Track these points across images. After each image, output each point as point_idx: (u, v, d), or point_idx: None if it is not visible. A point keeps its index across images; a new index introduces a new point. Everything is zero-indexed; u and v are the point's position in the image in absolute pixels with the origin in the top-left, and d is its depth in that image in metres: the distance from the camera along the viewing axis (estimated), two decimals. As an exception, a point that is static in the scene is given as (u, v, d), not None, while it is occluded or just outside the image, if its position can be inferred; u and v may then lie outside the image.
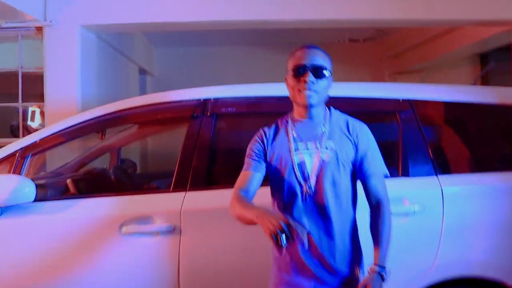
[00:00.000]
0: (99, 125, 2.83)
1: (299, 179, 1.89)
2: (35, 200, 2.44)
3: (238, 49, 8.43)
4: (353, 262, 1.90)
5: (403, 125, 2.53)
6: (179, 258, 2.38)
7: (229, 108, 2.61)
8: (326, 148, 1.90)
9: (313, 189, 1.88)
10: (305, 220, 1.88)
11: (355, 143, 1.93)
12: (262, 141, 2.01)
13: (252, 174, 1.97)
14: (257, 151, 2.00)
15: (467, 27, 6.11)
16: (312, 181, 1.88)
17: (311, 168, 1.89)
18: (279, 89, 2.66)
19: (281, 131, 2.00)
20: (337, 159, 1.89)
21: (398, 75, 8.50)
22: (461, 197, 2.45)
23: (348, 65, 8.21)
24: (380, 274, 1.80)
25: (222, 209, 2.36)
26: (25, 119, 7.08)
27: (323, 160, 1.88)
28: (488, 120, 2.67)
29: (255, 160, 1.99)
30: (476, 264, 2.43)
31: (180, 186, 2.47)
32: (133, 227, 2.40)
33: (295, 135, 1.95)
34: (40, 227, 2.47)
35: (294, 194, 1.90)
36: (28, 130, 5.66)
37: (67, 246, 2.43)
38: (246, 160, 2.01)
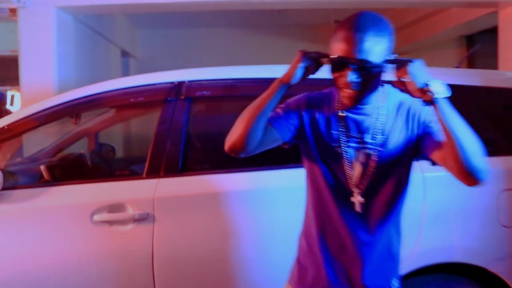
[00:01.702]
0: (72, 109, 2.73)
1: (349, 184, 1.59)
2: (5, 188, 2.35)
3: (224, 31, 8.39)
4: (387, 275, 1.71)
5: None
6: (152, 246, 2.31)
7: (204, 92, 2.51)
8: (377, 143, 1.57)
9: (361, 196, 1.59)
10: (343, 229, 1.62)
11: (413, 130, 1.57)
12: (300, 108, 1.63)
13: (270, 127, 1.58)
14: (290, 113, 1.62)
15: (453, 9, 6.09)
16: (361, 185, 1.59)
17: (356, 168, 1.59)
18: (256, 72, 2.60)
19: (329, 110, 1.63)
20: (392, 155, 1.57)
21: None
22: (443, 182, 2.38)
23: (334, 47, 8.14)
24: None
25: (196, 195, 2.35)
26: (4, 103, 6.94)
27: (372, 158, 1.57)
28: (470, 102, 2.61)
29: (284, 117, 1.61)
30: (458, 250, 2.39)
31: (154, 172, 2.38)
32: (104, 215, 2.32)
33: (340, 123, 1.60)
34: (8, 216, 2.38)
35: (338, 201, 1.61)
36: (8, 114, 5.53)
37: (36, 236, 2.35)
38: (279, 108, 1.63)
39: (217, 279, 2.37)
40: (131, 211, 2.31)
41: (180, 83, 2.52)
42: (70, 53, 4.71)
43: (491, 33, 5.80)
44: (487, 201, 2.37)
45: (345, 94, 1.50)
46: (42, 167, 2.91)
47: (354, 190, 1.59)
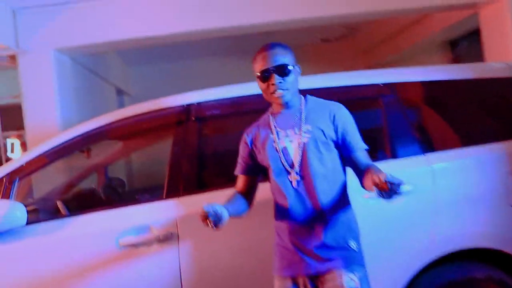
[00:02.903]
0: (84, 142, 2.80)
1: (285, 166, 2.00)
2: (27, 223, 2.41)
3: (215, 59, 8.46)
4: (348, 236, 1.99)
5: (386, 109, 2.57)
6: (179, 265, 2.37)
7: (213, 111, 2.62)
8: (305, 131, 1.99)
9: (299, 173, 1.98)
10: (298, 203, 1.99)
11: (333, 122, 2.01)
12: (246, 142, 2.15)
13: (243, 177, 2.18)
14: (243, 154, 2.17)
15: (434, 15, 6.21)
16: (296, 165, 1.98)
17: (293, 154, 1.99)
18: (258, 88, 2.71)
19: (264, 126, 2.12)
20: (316, 139, 1.98)
21: (372, 69, 8.57)
22: (451, 172, 2.49)
23: (322, 65, 8.26)
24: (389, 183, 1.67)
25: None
26: (5, 151, 7.00)
27: (303, 143, 1.98)
28: (467, 95, 2.72)
29: (242, 163, 2.17)
30: (471, 235, 2.46)
31: (173, 192, 2.47)
32: (129, 239, 2.38)
33: (275, 126, 2.07)
34: (36, 248, 2.44)
35: (284, 181, 2.01)
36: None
37: (65, 265, 2.41)
38: (238, 162, 2.20)
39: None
40: (155, 232, 2.38)
41: (189, 106, 2.62)
42: (70, 94, 4.80)
43: (474, 35, 5.94)
44: (495, 185, 2.47)
45: (276, 97, 2.00)
46: (58, 202, 2.98)
47: (290, 171, 1.99)
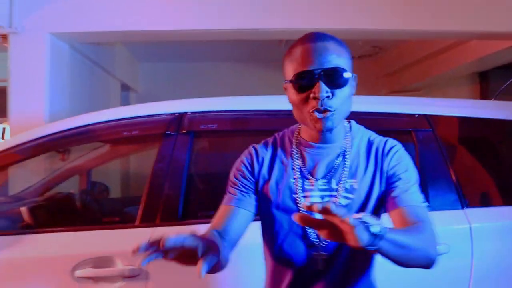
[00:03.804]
0: (59, 143, 2.43)
1: (307, 235, 1.35)
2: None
3: (227, 65, 8.31)
4: None
5: (420, 145, 2.11)
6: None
7: (209, 125, 2.17)
8: (347, 189, 1.34)
9: (324, 251, 1.34)
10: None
11: (383, 172, 1.37)
12: (252, 165, 1.44)
13: (234, 209, 1.40)
14: (243, 179, 1.43)
15: (469, 43, 5.88)
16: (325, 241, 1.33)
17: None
18: (268, 102, 2.28)
19: (281, 155, 1.43)
20: (361, 203, 1.34)
21: (395, 93, 8.28)
22: (492, 233, 2.03)
23: (342, 83, 7.96)
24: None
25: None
26: (-5, 136, 6.66)
27: (343, 207, 1.32)
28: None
29: (240, 191, 1.42)
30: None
31: (148, 219, 2.02)
32: (88, 271, 1.94)
33: (302, 166, 1.38)
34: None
35: (297, 253, 1.37)
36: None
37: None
38: (229, 189, 1.45)
39: None
40: (120, 266, 1.94)
41: (182, 115, 2.19)
42: (65, 83, 4.40)
43: (505, 69, 5.70)
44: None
45: (316, 120, 1.27)
46: (22, 209, 2.58)
47: (315, 242, 1.35)
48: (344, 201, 1.31)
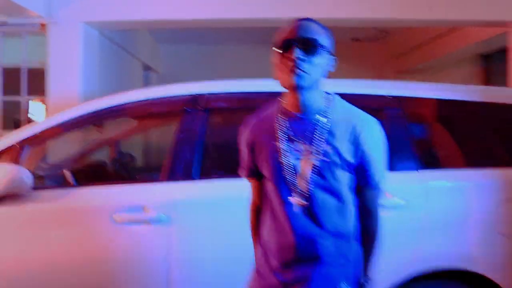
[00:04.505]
0: (96, 118, 2.89)
1: (290, 185, 1.62)
2: (34, 189, 2.52)
3: (244, 48, 8.52)
4: (342, 278, 1.66)
5: (389, 121, 2.59)
6: (170, 247, 2.45)
7: (220, 103, 2.68)
8: (322, 153, 1.58)
9: (303, 199, 1.60)
10: (297, 232, 1.62)
11: (356, 143, 1.60)
12: (244, 142, 1.76)
13: (254, 182, 1.79)
14: (245, 154, 1.76)
15: (468, 28, 6.17)
16: (303, 189, 1.60)
17: (302, 174, 1.60)
18: (271, 85, 2.75)
19: (270, 122, 1.68)
20: (333, 164, 1.59)
21: (402, 74, 8.54)
22: (445, 192, 2.52)
23: (350, 64, 8.24)
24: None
25: (212, 199, 2.49)
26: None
27: (316, 166, 1.59)
28: (475, 117, 2.73)
29: (246, 166, 1.77)
30: (457, 257, 2.49)
31: (171, 177, 2.55)
32: (125, 216, 2.47)
33: (285, 131, 1.63)
34: (36, 215, 2.55)
35: (285, 200, 1.63)
36: (30, 123, 5.76)
37: (61, 233, 2.51)
38: (241, 162, 1.80)
39: (232, 279, 2.41)
40: (150, 213, 2.47)
41: (198, 95, 2.69)
42: (95, 66, 4.93)
43: (506, 53, 5.88)
44: (486, 211, 2.49)
45: (289, 77, 1.53)
46: (65, 172, 3.08)
47: (296, 193, 1.61)
48: (318, 163, 1.58)
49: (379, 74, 8.66)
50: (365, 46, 8.68)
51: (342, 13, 4.80)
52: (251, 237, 1.88)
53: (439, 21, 5.02)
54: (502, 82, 5.40)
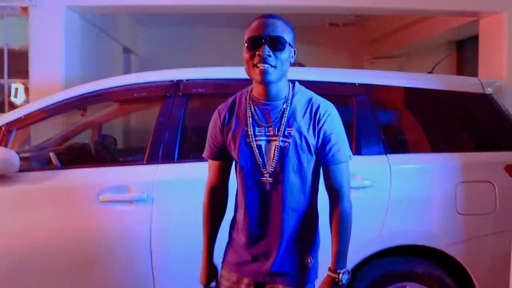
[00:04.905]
0: (80, 103, 3.02)
1: (259, 166, 1.77)
2: (19, 170, 2.65)
3: (224, 31, 8.49)
4: (306, 253, 1.83)
5: (358, 108, 2.78)
6: (151, 224, 2.61)
7: (199, 89, 2.84)
8: (285, 135, 1.75)
9: (270, 178, 1.76)
10: (264, 210, 1.79)
11: (317, 126, 1.76)
12: (216, 125, 1.88)
13: (216, 163, 1.93)
14: (214, 137, 1.89)
15: (441, 15, 6.33)
16: (270, 169, 1.76)
17: (269, 156, 1.76)
18: (241, 72, 2.91)
19: (239, 109, 1.84)
20: (296, 146, 1.74)
21: (376, 60, 8.72)
22: (408, 174, 2.73)
23: (327, 49, 8.43)
24: (336, 280, 1.75)
25: (190, 180, 2.64)
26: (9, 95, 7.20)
27: (281, 147, 1.74)
28: (432, 104, 2.94)
29: (212, 147, 1.90)
30: (419, 234, 2.73)
31: (153, 159, 2.70)
32: (109, 196, 2.63)
33: (254, 117, 1.79)
34: (24, 195, 2.68)
35: (255, 182, 1.79)
36: (13, 106, 5.82)
37: (49, 213, 2.66)
38: (206, 144, 1.93)
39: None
40: (133, 192, 2.63)
41: (178, 81, 2.84)
42: (77, 49, 5.00)
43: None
44: (446, 192, 2.72)
45: (258, 71, 1.68)
46: (50, 154, 3.20)
47: (264, 172, 1.77)
48: (283, 144, 1.75)
49: (354, 59, 8.82)
50: (341, 31, 8.82)
51: (322, 1, 4.97)
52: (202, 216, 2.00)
53: (412, 10, 5.19)
54: (475, 68, 5.60)
